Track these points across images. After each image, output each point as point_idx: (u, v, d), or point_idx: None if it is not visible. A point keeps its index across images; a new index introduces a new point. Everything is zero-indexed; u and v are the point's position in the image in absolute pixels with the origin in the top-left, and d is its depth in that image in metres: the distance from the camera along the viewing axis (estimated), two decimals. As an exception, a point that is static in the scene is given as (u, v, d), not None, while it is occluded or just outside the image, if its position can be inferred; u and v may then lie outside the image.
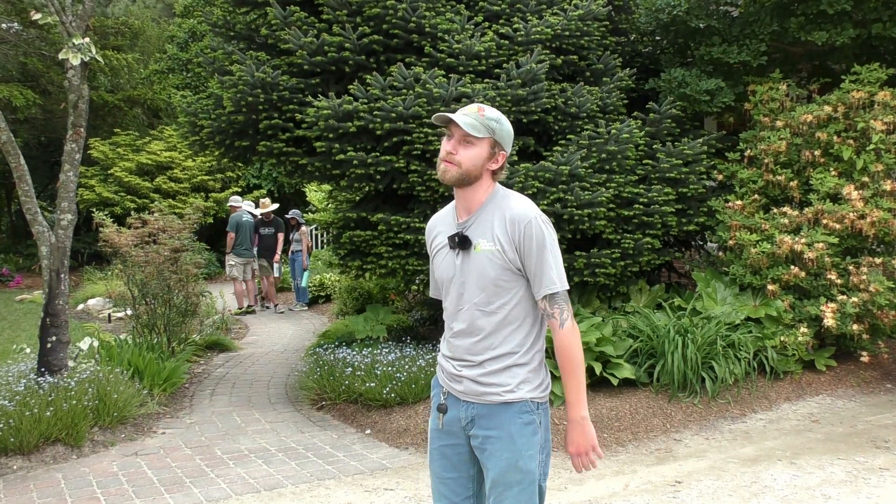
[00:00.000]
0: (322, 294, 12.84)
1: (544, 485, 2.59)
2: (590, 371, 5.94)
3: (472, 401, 2.56)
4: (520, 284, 2.53)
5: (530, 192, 6.18)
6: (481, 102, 6.18)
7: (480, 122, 2.51)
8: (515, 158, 6.38)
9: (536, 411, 2.53)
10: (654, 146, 6.98)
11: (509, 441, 2.49)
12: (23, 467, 5.12)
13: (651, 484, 4.71)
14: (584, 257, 6.53)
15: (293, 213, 12.44)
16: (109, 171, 17.10)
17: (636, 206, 6.63)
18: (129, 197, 16.47)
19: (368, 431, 5.95)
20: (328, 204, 12.38)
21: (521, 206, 2.52)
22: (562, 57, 6.81)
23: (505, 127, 2.56)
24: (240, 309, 12.04)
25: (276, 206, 12.58)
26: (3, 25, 19.40)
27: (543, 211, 6.11)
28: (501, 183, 2.63)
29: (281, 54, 7.05)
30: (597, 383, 6.08)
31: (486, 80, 6.49)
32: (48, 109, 17.04)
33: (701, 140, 7.04)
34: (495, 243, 2.50)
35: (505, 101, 6.34)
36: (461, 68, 6.54)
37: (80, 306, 12.51)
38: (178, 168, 17.40)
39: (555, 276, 2.47)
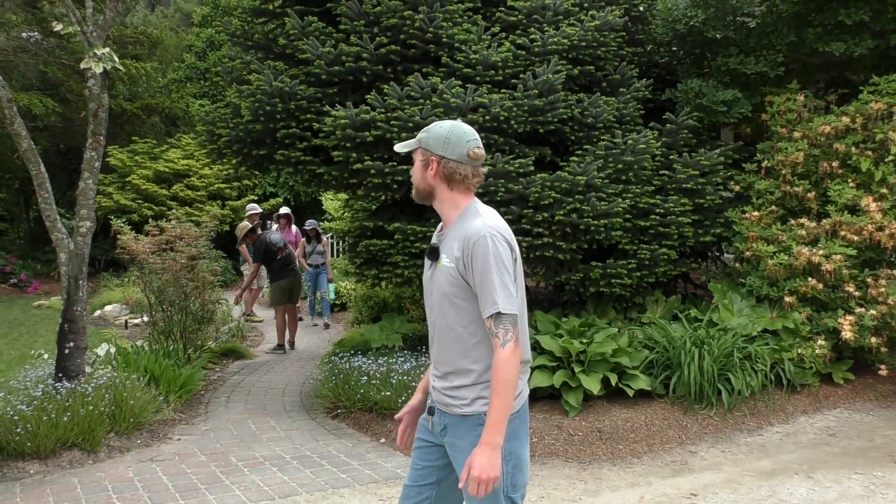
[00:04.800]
0: (337, 303, 12.86)
1: (514, 496, 2.58)
2: (605, 382, 5.93)
3: (443, 410, 2.66)
4: (475, 302, 2.53)
5: (547, 202, 6.19)
6: (497, 112, 6.23)
7: (410, 140, 2.72)
8: (532, 168, 6.37)
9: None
10: (671, 157, 6.98)
11: (466, 452, 2.53)
12: (40, 472, 5.16)
13: (666, 496, 4.68)
14: (599, 268, 6.53)
15: (310, 223, 12.07)
16: (127, 179, 17.21)
17: (653, 216, 6.62)
18: (146, 204, 16.57)
19: (383, 440, 5.95)
20: (344, 213, 12.39)
21: (478, 224, 2.52)
22: (578, 67, 6.82)
23: (433, 132, 2.63)
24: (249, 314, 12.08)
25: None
26: (24, 35, 19.62)
27: (559, 221, 6.12)
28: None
29: (298, 64, 7.10)
30: (612, 394, 6.07)
31: (502, 91, 6.50)
32: (67, 117, 17.16)
33: (718, 151, 7.03)
34: (451, 260, 2.55)
35: (521, 112, 6.35)
36: (478, 78, 6.55)
37: (97, 312, 12.58)
38: (195, 176, 17.49)
39: (498, 297, 2.45)
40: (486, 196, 6.23)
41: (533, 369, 6.00)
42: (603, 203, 6.32)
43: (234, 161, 7.92)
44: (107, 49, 5.71)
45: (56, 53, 18.49)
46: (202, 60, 20.81)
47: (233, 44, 8.26)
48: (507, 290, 2.46)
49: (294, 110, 6.73)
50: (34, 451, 5.20)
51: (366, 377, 6.40)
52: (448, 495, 2.75)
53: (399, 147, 2.70)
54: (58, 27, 6.02)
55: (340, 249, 15.48)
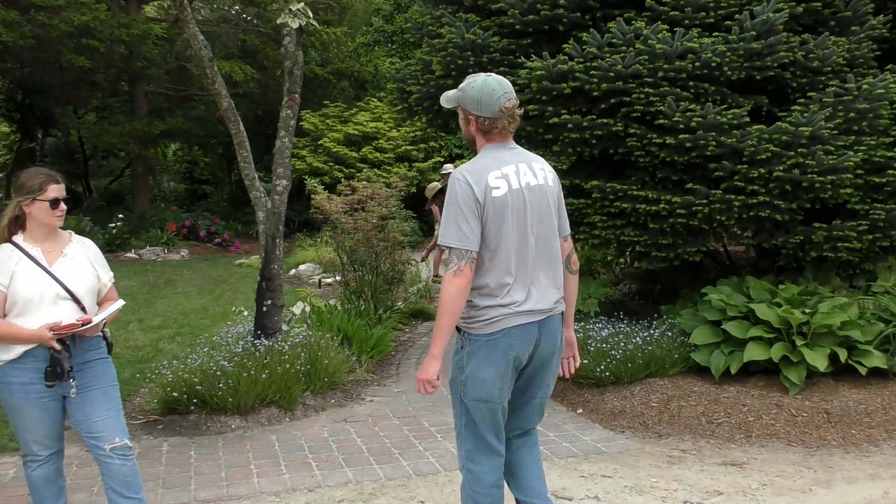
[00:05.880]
0: (523, 265, 12.57)
1: (468, 401, 2.99)
2: (833, 358, 5.28)
3: None
4: None
5: (764, 156, 5.56)
6: (708, 58, 5.64)
7: (452, 92, 3.05)
8: (746, 119, 5.75)
9: (461, 336, 3.01)
10: (914, 103, 6.07)
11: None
12: (240, 427, 5.25)
13: (916, 493, 4.06)
14: (823, 230, 5.81)
15: None
16: (319, 142, 17.71)
17: (890, 171, 5.79)
18: (336, 167, 16.97)
19: (580, 411, 5.62)
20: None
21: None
22: (803, 5, 6.04)
23: (467, 92, 2.94)
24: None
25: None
26: (225, 7, 20.62)
27: (778, 177, 5.49)
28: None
29: (490, 15, 6.79)
30: (840, 371, 5.39)
31: (714, 34, 5.88)
32: (264, 84, 17.86)
33: (974, 95, 6.05)
34: None
35: (736, 56, 5.73)
36: (686, 21, 5.97)
37: (292, 272, 13.01)
38: (383, 138, 17.72)
39: (442, 231, 2.89)
40: (696, 150, 5.69)
41: (747, 340, 5.45)
42: (830, 157, 5.58)
43: (423, 119, 7.78)
44: (301, 3, 5.64)
45: (254, 23, 19.29)
46: (389, 23, 21.00)
47: (423, 1, 8.07)
48: (454, 226, 2.84)
49: (486, 63, 6.43)
50: (235, 406, 5.28)
51: (560, 343, 6.06)
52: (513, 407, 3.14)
53: (443, 101, 3.08)
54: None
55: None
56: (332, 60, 20.23)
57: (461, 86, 2.98)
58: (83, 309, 3.27)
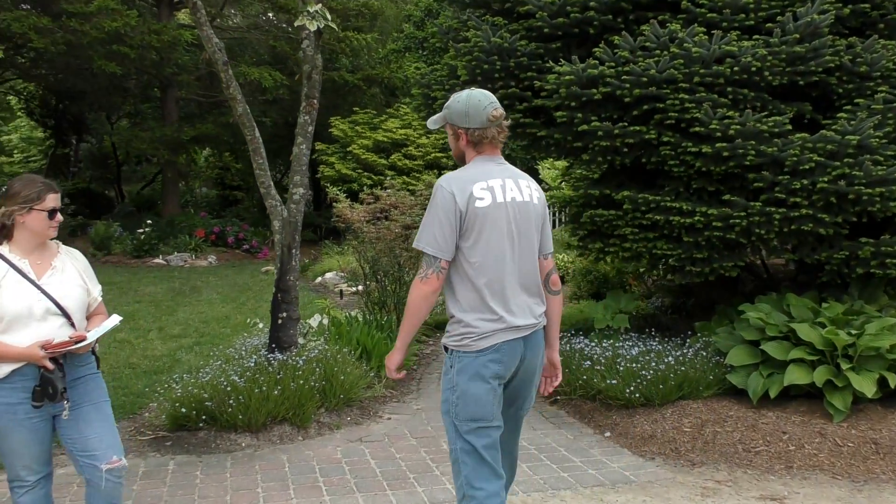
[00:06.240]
0: (553, 276, 12.26)
1: (460, 424, 2.90)
2: (882, 383, 4.93)
3: None
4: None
5: (807, 167, 5.24)
6: (747, 62, 5.33)
7: (438, 115, 3.07)
8: (788, 127, 5.44)
9: (449, 356, 2.97)
10: (969, 111, 5.71)
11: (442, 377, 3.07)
12: (251, 445, 5.02)
13: (975, 536, 3.72)
14: (871, 245, 5.47)
15: None
16: (348, 149, 17.54)
17: (943, 184, 5.44)
18: (365, 174, 16.80)
19: (608, 434, 5.32)
20: (561, 182, 11.76)
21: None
22: (849, 6, 5.71)
23: (453, 108, 2.98)
24: None
25: None
26: (258, 14, 20.62)
27: (822, 189, 5.15)
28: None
29: (519, 19, 6.53)
30: (889, 397, 5.04)
31: (755, 37, 5.57)
32: (294, 90, 17.74)
33: None
34: None
35: (778, 61, 5.41)
36: (725, 24, 5.66)
37: (318, 279, 12.85)
38: (413, 145, 17.50)
39: (418, 234, 2.91)
40: (733, 160, 5.38)
41: (788, 362, 5.12)
42: (879, 168, 5.24)
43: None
44: (319, 5, 5.42)
45: (286, 29, 19.23)
46: (420, 30, 20.82)
47: (449, 2, 7.84)
48: (429, 232, 2.86)
49: (513, 68, 6.18)
50: (245, 423, 5.05)
51: (589, 362, 5.77)
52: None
53: (430, 124, 3.11)
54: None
55: (559, 220, 14.86)
56: (363, 67, 20.10)
57: (446, 104, 3.02)
58: (72, 324, 3.07)
